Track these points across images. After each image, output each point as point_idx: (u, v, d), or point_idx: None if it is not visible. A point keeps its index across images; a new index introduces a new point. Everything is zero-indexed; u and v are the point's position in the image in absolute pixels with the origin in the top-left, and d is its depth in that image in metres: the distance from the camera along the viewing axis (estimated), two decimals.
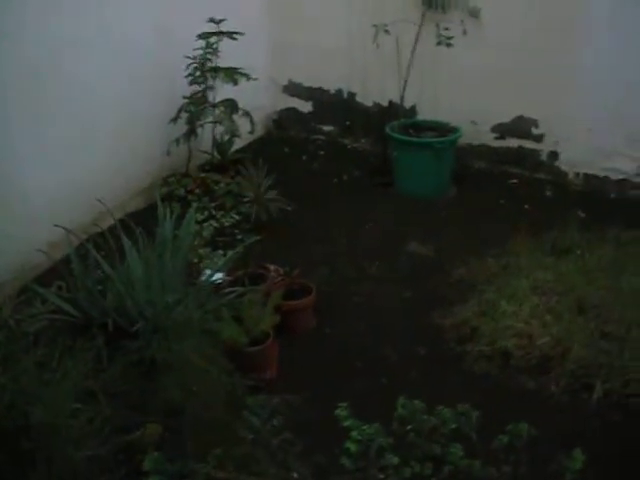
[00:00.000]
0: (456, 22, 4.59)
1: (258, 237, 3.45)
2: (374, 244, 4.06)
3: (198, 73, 4.24)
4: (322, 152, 5.35)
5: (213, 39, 4.21)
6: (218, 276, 3.19)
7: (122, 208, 3.94)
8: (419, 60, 4.70)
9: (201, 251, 3.79)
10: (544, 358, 3.01)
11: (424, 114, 5.00)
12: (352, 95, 5.35)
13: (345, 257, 3.90)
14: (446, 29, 4.56)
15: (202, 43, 4.20)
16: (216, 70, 4.26)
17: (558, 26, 4.42)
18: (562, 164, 4.80)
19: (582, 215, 4.24)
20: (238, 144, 4.81)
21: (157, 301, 2.71)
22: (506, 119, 4.86)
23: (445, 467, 1.72)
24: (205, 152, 4.60)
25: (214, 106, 4.33)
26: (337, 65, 5.20)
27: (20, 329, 2.61)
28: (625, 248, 3.66)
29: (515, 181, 4.83)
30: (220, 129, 4.46)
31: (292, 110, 5.61)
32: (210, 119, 4.36)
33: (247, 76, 4.27)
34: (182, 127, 4.31)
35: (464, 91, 4.72)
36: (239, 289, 3.01)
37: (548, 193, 4.68)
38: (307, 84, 5.49)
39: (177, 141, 4.29)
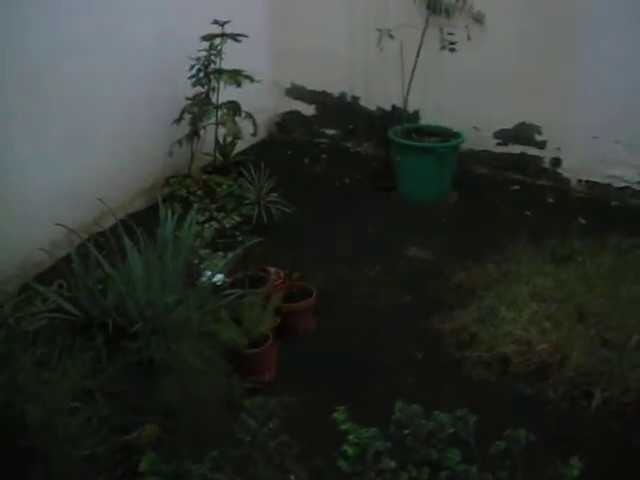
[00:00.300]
0: (460, 27, 4.60)
1: (259, 239, 3.46)
2: (374, 248, 4.06)
3: (202, 74, 4.25)
4: (324, 155, 5.36)
5: (217, 41, 4.22)
6: (218, 278, 3.19)
7: (123, 208, 3.93)
8: (423, 65, 4.71)
9: (202, 252, 3.79)
10: (543, 365, 3.00)
11: (427, 119, 5.00)
12: (355, 99, 5.36)
13: (345, 261, 3.90)
14: (450, 34, 4.57)
15: (206, 45, 4.21)
16: (220, 72, 4.26)
17: (561, 34, 4.43)
18: (564, 171, 4.80)
19: (583, 222, 4.23)
20: (240, 146, 4.82)
21: (157, 301, 2.71)
22: (509, 125, 4.87)
23: (442, 472, 1.72)
24: (207, 154, 4.61)
25: (217, 108, 4.34)
26: (340, 69, 5.21)
27: (20, 327, 2.62)
28: (625, 256, 3.66)
29: (517, 187, 4.84)
30: (223, 131, 4.47)
31: (295, 113, 5.62)
32: (213, 121, 4.37)
33: (250, 78, 4.28)
34: (185, 128, 4.32)
35: (467, 96, 4.72)
36: (239, 291, 3.01)
37: (550, 200, 4.68)
38: (310, 87, 5.49)
39: (180, 142, 4.30)
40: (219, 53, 4.24)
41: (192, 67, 4.21)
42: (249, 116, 4.42)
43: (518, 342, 3.09)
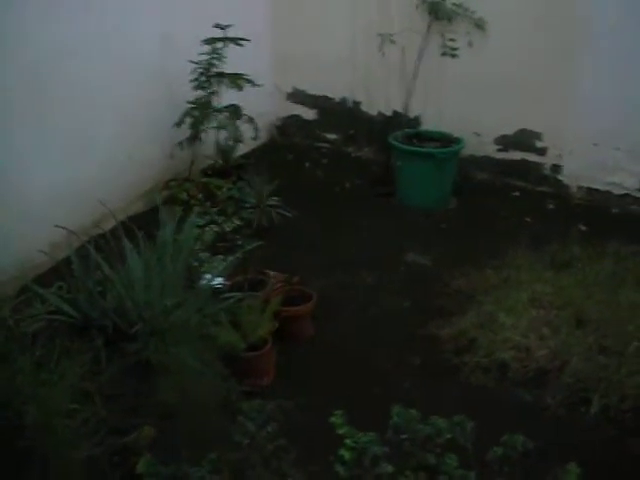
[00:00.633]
0: (461, 33, 4.62)
1: (259, 243, 3.46)
2: (374, 253, 4.06)
3: (203, 78, 4.26)
4: (325, 160, 5.36)
5: (219, 44, 4.23)
6: (218, 281, 3.19)
7: (123, 210, 3.93)
8: (424, 70, 4.72)
9: (201, 255, 3.79)
10: (541, 371, 3.01)
11: (428, 124, 5.01)
12: (357, 104, 5.37)
13: (344, 265, 3.90)
14: (451, 40, 4.58)
15: (207, 48, 4.22)
16: (221, 76, 4.27)
17: (563, 41, 4.44)
18: (565, 177, 4.81)
19: (583, 229, 4.24)
20: (241, 150, 4.83)
21: (156, 304, 2.71)
22: (509, 131, 4.87)
23: (439, 477, 1.71)
24: (208, 157, 4.61)
25: (218, 111, 4.34)
26: (342, 73, 5.22)
27: (19, 329, 2.62)
28: (625, 263, 3.66)
29: (517, 193, 4.84)
30: (224, 134, 4.47)
31: (296, 117, 5.63)
32: (214, 124, 4.38)
33: (252, 82, 4.28)
34: (185, 131, 4.33)
35: (468, 102, 4.73)
36: (238, 294, 3.01)
37: (550, 206, 4.68)
38: (312, 92, 5.50)
39: (181, 145, 4.31)
40: (220, 57, 4.24)
41: (194, 70, 4.21)
42: (250, 120, 4.42)
43: (517, 348, 3.10)
